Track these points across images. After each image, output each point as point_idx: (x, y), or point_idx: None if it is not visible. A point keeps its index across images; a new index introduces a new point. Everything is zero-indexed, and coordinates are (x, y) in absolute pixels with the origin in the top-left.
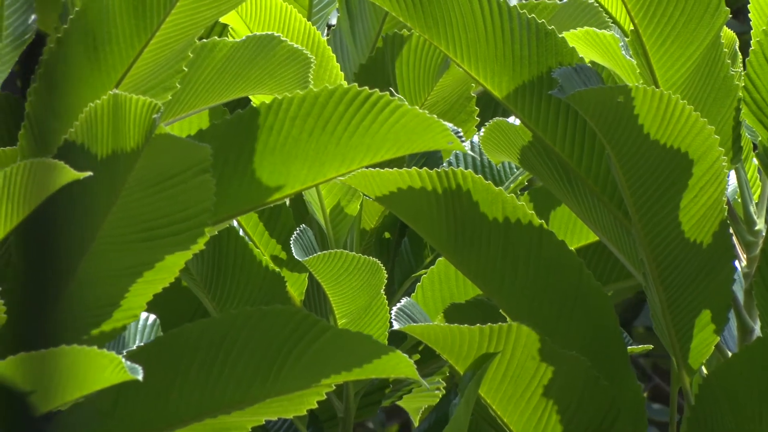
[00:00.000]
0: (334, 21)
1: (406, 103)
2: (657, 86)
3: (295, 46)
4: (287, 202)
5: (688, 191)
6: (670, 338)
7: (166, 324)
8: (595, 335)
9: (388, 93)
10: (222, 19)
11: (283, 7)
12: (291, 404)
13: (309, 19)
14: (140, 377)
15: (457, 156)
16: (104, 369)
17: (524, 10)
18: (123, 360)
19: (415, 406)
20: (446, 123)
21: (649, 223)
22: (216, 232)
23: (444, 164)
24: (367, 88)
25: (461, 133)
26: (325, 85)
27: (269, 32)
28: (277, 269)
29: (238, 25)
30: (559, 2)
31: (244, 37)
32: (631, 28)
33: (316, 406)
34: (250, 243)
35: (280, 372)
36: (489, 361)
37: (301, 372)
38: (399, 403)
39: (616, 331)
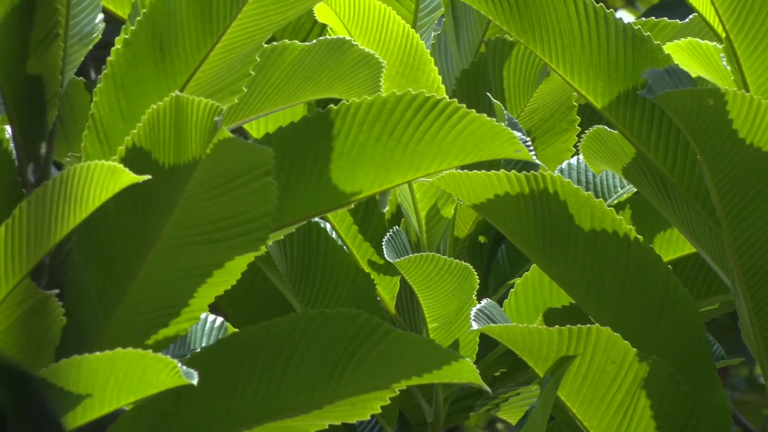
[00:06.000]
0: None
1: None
2: (748, 92)
3: (366, 50)
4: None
5: None
6: (757, 346)
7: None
8: (680, 342)
9: (455, 100)
10: (321, 20)
11: (383, 9)
12: (354, 409)
13: (414, 24)
14: (195, 382)
15: (561, 169)
16: (159, 373)
17: (638, 27)
18: (178, 364)
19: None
20: (515, 131)
21: (738, 228)
22: (282, 237)
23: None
24: (435, 95)
25: (530, 142)
26: (393, 91)
27: (340, 36)
28: (368, 271)
29: (337, 26)
30: (680, 22)
31: (314, 41)
32: (724, 35)
33: (380, 411)
34: (342, 245)
35: (343, 376)
36: (568, 363)
37: (364, 376)
38: (499, 414)
39: (703, 339)
